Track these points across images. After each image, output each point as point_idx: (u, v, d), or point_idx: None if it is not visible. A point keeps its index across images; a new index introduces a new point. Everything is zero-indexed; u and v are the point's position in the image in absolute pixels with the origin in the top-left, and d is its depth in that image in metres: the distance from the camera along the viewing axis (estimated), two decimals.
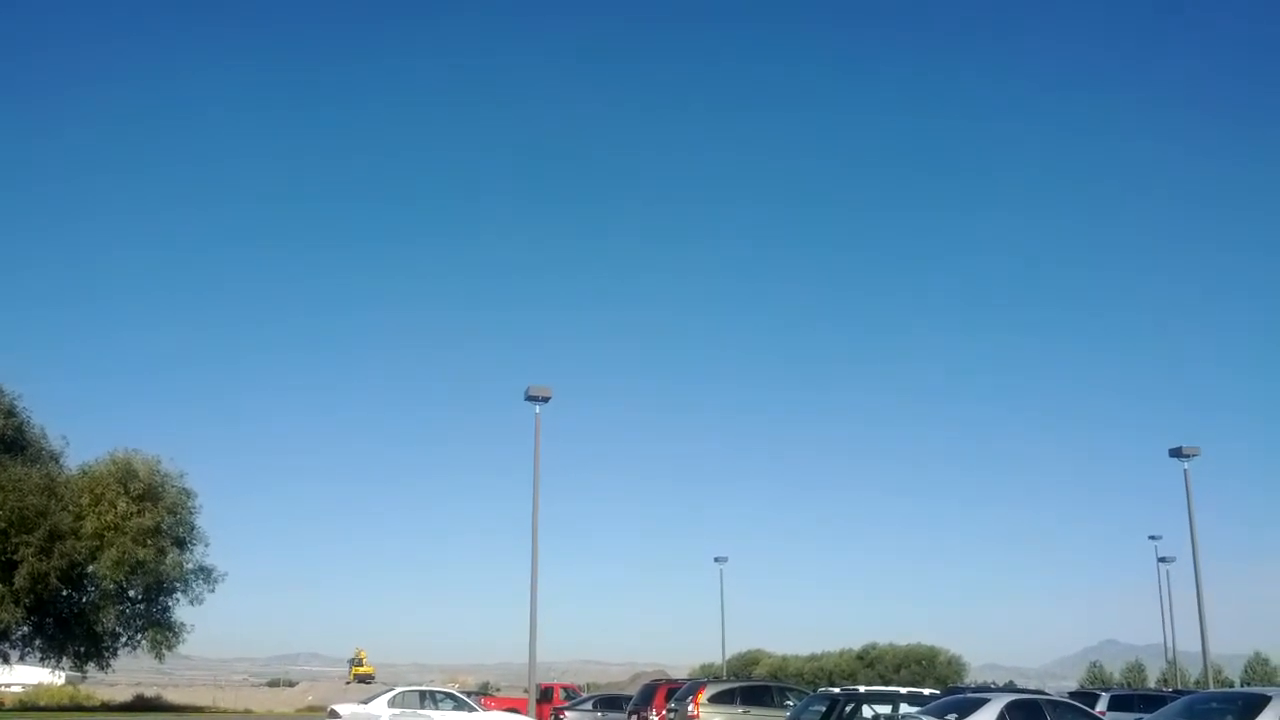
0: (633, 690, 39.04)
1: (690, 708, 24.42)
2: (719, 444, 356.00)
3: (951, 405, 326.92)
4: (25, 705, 55.43)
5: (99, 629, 43.88)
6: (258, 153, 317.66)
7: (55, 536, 40.64)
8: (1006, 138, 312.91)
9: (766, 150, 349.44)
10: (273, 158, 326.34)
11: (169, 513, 44.21)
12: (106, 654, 45.70)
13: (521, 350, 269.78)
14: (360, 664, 79.37)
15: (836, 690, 24.35)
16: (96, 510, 42.25)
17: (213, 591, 46.54)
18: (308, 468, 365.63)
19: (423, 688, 30.04)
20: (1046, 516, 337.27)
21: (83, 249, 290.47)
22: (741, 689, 26.33)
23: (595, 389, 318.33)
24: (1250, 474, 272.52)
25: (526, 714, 32.26)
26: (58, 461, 45.28)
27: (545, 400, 33.04)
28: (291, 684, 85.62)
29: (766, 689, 28.09)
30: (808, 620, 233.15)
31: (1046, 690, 28.79)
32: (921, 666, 70.26)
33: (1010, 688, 28.82)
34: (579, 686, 50.62)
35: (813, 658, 77.75)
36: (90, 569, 43.18)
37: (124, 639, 45.97)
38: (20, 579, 40.01)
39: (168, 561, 44.13)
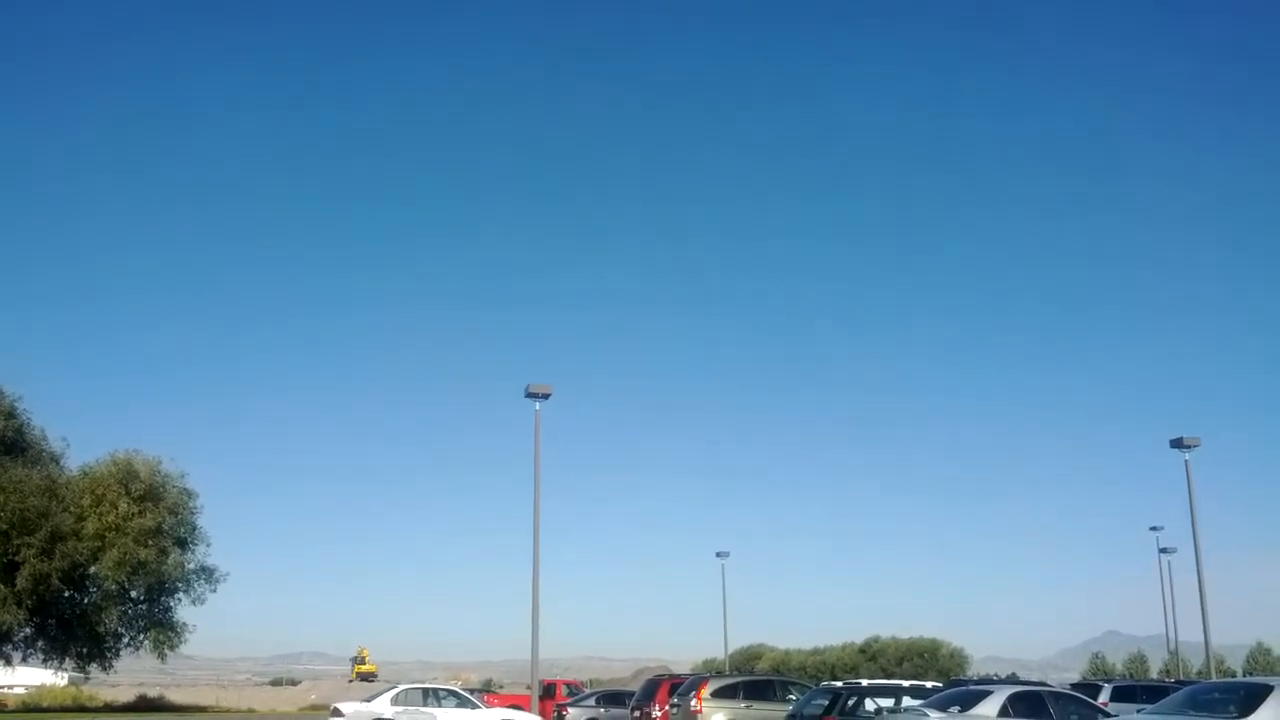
0: (635, 686, 39.08)
1: (693, 703, 24.42)
2: (720, 440, 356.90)
3: (952, 400, 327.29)
4: (28, 706, 55.55)
5: (101, 630, 43.84)
6: (258, 153, 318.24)
7: (57, 538, 40.62)
8: (1006, 135, 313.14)
9: (767, 149, 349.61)
10: (273, 158, 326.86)
11: (170, 513, 44.15)
12: (109, 655, 45.67)
13: (521, 350, 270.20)
14: (363, 662, 79.52)
15: (839, 684, 24.42)
16: (98, 511, 42.20)
17: (215, 591, 46.51)
18: (309, 467, 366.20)
19: (425, 685, 30.05)
20: (1048, 509, 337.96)
21: (83, 249, 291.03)
22: (744, 683, 26.31)
23: (595, 388, 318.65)
24: (1251, 464, 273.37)
25: (529, 711, 32.28)
26: (58, 463, 45.22)
27: (545, 397, 33.08)
28: (294, 683, 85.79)
29: (769, 683, 28.12)
30: (810, 615, 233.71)
31: (1049, 682, 28.81)
32: (924, 659, 70.39)
33: (1012, 680, 28.83)
34: (582, 683, 50.62)
35: (815, 652, 77.93)
36: (92, 570, 43.13)
37: (126, 639, 45.93)
38: (22, 580, 39.99)
39: (169, 562, 44.09)
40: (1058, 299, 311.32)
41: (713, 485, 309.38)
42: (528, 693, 36.74)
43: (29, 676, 63.30)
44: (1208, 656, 38.36)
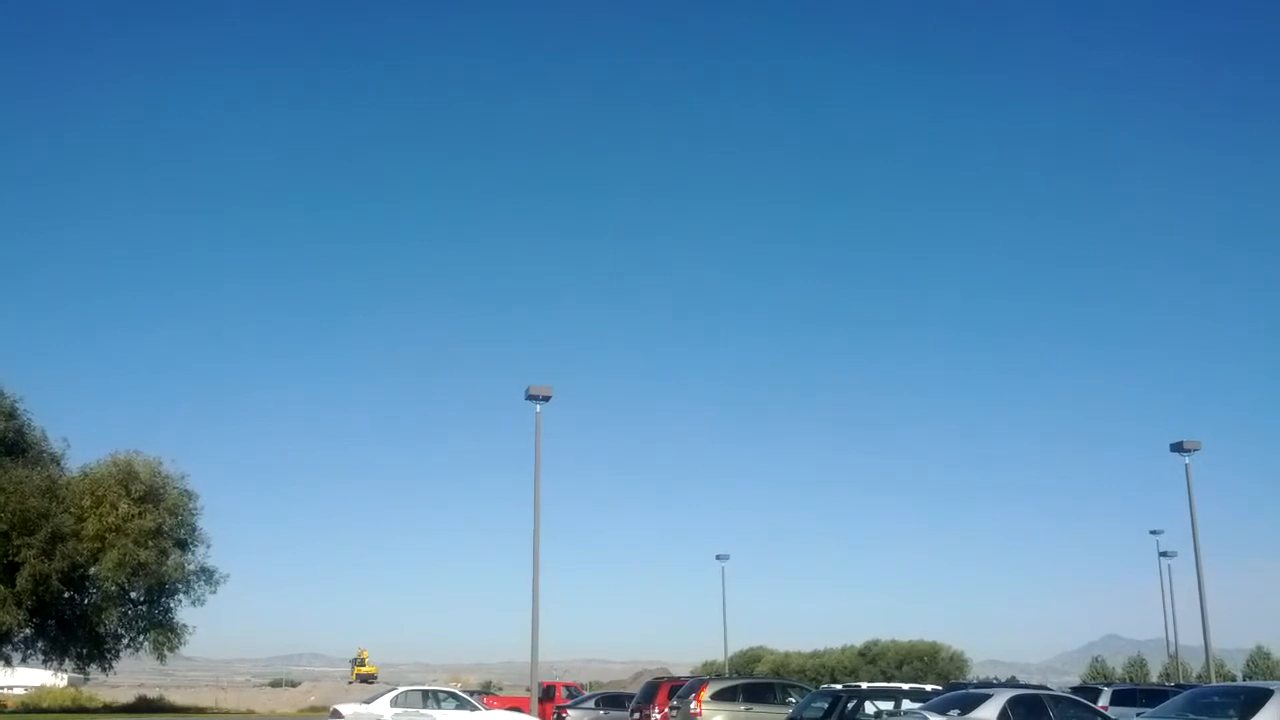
0: (635, 688, 39.12)
1: (693, 705, 24.40)
2: (720, 442, 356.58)
3: (952, 402, 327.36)
4: (28, 707, 55.49)
5: (101, 630, 43.86)
6: (258, 153, 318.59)
7: (57, 538, 40.62)
8: (1005, 136, 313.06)
9: (767, 149, 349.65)
10: (273, 158, 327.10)
11: (170, 514, 44.15)
12: (109, 655, 45.68)
13: (521, 350, 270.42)
14: (363, 664, 79.45)
15: (839, 687, 24.40)
16: (98, 512, 42.20)
17: (214, 593, 46.51)
18: (309, 467, 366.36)
19: (425, 687, 30.00)
20: (1048, 513, 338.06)
21: (83, 249, 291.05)
22: (744, 686, 26.32)
23: (595, 389, 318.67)
24: (1252, 468, 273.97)
25: (529, 713, 32.27)
26: (59, 463, 45.22)
27: (546, 399, 33.09)
28: (294, 684, 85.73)
29: (769, 686, 28.15)
30: (810, 617, 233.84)
31: (1049, 685, 28.80)
32: (924, 663, 70.31)
33: (1012, 683, 28.86)
34: (581, 685, 50.62)
35: (815, 654, 77.85)
36: (92, 571, 43.13)
37: (126, 640, 45.94)
38: (22, 581, 40.00)
39: (169, 563, 44.10)
40: (1057, 301, 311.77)
41: (713, 487, 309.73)
42: (527, 695, 36.71)
43: (29, 677, 63.33)
44: (1208, 660, 38.30)
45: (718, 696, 24.77)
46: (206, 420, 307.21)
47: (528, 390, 32.83)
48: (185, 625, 46.40)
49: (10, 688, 62.81)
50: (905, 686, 23.48)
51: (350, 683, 74.05)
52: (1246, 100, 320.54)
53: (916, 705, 18.77)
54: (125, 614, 45.41)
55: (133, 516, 42.28)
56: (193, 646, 49.69)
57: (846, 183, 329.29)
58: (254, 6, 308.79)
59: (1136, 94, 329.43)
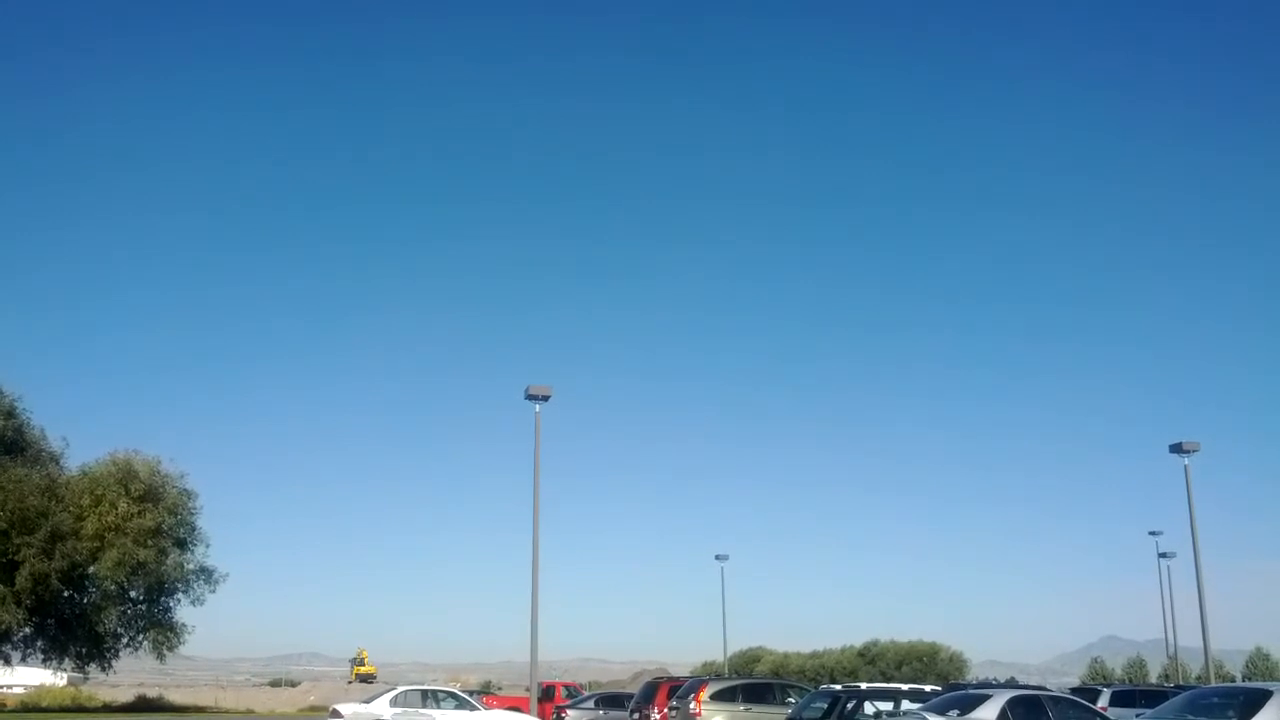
0: (634, 688, 39.09)
1: (692, 705, 24.39)
2: (720, 442, 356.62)
3: (952, 402, 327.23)
4: (27, 706, 55.46)
5: (100, 630, 43.84)
6: (257, 153, 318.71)
7: (56, 537, 40.62)
8: (1006, 136, 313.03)
9: (767, 149, 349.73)
10: (272, 159, 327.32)
11: (170, 513, 44.15)
12: (108, 655, 45.67)
13: (521, 350, 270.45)
14: (362, 663, 79.48)
15: (838, 687, 24.35)
16: (97, 511, 42.20)
17: (214, 592, 46.52)
18: (309, 467, 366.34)
19: (424, 687, 29.97)
20: (1047, 513, 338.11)
21: (83, 249, 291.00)
22: (743, 686, 26.31)
23: (595, 389, 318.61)
24: (1251, 469, 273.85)
25: (528, 713, 32.26)
26: (58, 462, 45.23)
27: (545, 399, 33.08)
28: (294, 684, 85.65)
29: (768, 686, 28.12)
30: (809, 617, 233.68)
31: (1048, 686, 28.80)
32: (923, 663, 70.29)
33: (1012, 684, 28.82)
34: (581, 685, 50.60)
35: (814, 655, 77.81)
36: (91, 570, 43.13)
37: (125, 640, 45.93)
38: (21, 580, 40.00)
39: (169, 562, 44.10)
40: (1057, 301, 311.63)
41: (712, 487, 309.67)
42: (527, 694, 36.71)
43: (28, 676, 63.34)
44: (1207, 661, 38.28)
45: (717, 697, 24.76)
46: (206, 420, 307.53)
47: (527, 390, 32.82)
48: (185, 625, 46.49)
49: (10, 687, 62.81)
50: (904, 687, 23.43)
51: (350, 682, 74.04)
52: (1246, 100, 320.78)
53: (916, 706, 18.74)
54: (125, 613, 45.40)
55: (132, 515, 42.28)
56: (192, 646, 49.77)
57: (847, 183, 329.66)
58: (254, 6, 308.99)
59: (1136, 94, 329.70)
